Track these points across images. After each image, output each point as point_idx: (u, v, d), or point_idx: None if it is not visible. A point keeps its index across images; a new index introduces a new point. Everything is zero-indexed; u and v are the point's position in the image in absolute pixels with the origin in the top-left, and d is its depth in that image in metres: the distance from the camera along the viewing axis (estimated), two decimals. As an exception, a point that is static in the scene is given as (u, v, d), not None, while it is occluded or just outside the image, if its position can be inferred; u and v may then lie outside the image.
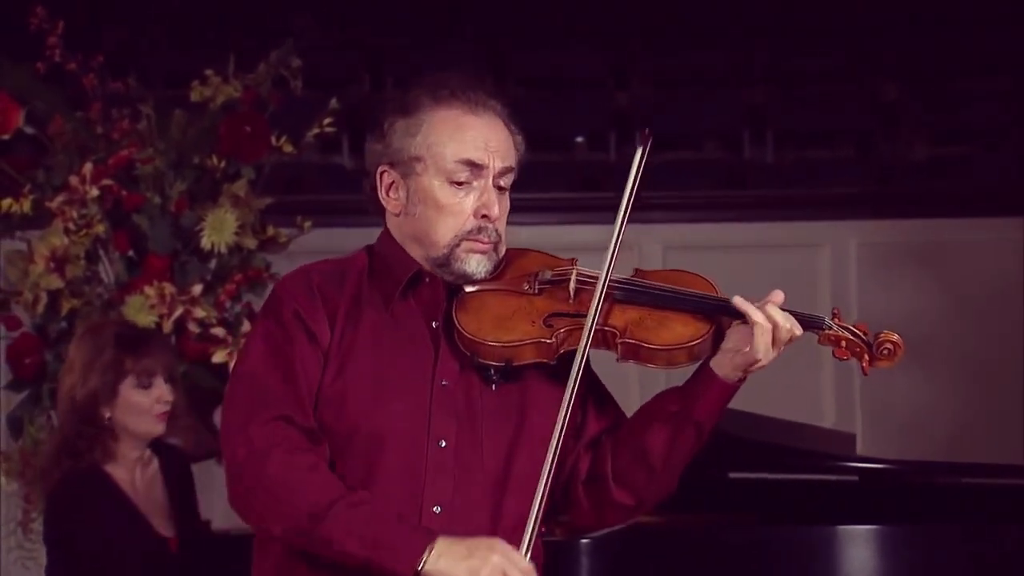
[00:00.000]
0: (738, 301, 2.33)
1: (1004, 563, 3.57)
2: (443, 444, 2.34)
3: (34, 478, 3.85)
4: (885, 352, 2.38)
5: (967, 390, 5.91)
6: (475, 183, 2.38)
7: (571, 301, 2.37)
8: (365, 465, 2.33)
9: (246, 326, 4.20)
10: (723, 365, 2.35)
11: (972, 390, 5.91)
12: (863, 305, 5.78)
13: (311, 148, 5.12)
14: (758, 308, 2.32)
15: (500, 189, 2.40)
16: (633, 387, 4.30)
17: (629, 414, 2.48)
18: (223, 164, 4.33)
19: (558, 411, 2.29)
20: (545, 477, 2.27)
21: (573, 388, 2.30)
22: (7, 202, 4.27)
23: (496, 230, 2.39)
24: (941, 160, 6.37)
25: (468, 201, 2.38)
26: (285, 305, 2.36)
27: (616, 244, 2.36)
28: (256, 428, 2.28)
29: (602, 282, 2.34)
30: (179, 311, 4.16)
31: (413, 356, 2.37)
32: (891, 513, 3.74)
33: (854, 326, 2.40)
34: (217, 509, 4.63)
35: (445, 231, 2.38)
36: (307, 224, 4.48)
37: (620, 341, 2.34)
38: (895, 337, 2.38)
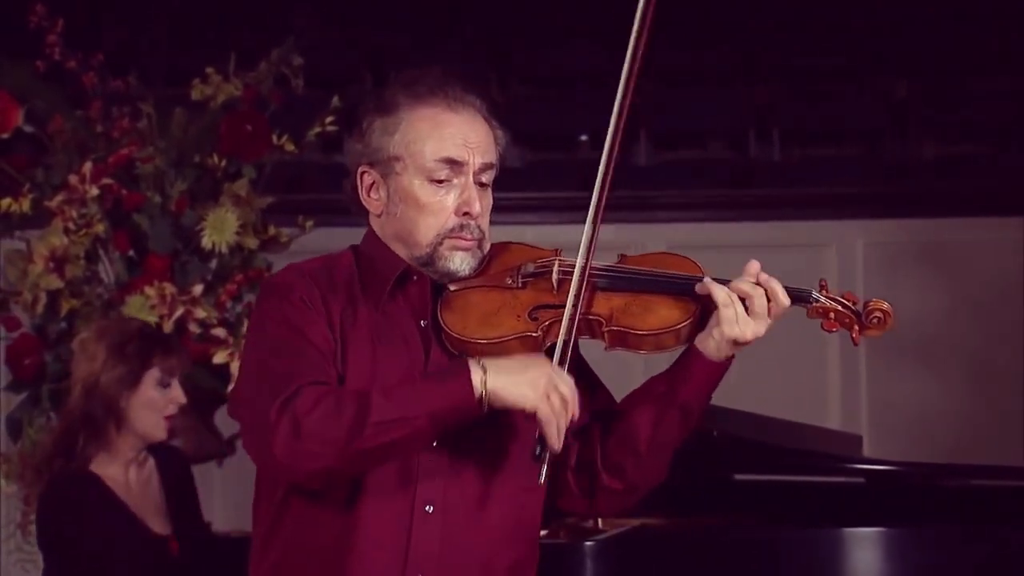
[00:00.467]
0: (705, 281, 2.32)
1: (1010, 565, 3.57)
2: (435, 445, 2.31)
3: (32, 479, 3.82)
4: (875, 320, 2.35)
5: (973, 391, 5.89)
6: (455, 180, 2.36)
7: (555, 292, 2.36)
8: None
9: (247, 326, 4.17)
10: (708, 343, 2.34)
11: (979, 391, 5.89)
12: (869, 306, 5.75)
13: (312, 147, 5.10)
14: (721, 285, 2.30)
15: (481, 185, 2.39)
16: (636, 375, 4.26)
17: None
18: (224, 163, 4.32)
19: None
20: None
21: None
22: (7, 201, 4.26)
23: (479, 227, 2.38)
24: (950, 159, 6.34)
25: (449, 199, 2.36)
26: (292, 291, 2.34)
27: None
28: (293, 399, 2.21)
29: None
30: (180, 311, 4.15)
31: (406, 356, 2.35)
32: (896, 515, 3.72)
33: (842, 296, 2.37)
34: (217, 511, 4.62)
35: (427, 230, 2.36)
36: (309, 224, 4.46)
37: (606, 329, 2.33)
38: (884, 305, 2.35)
